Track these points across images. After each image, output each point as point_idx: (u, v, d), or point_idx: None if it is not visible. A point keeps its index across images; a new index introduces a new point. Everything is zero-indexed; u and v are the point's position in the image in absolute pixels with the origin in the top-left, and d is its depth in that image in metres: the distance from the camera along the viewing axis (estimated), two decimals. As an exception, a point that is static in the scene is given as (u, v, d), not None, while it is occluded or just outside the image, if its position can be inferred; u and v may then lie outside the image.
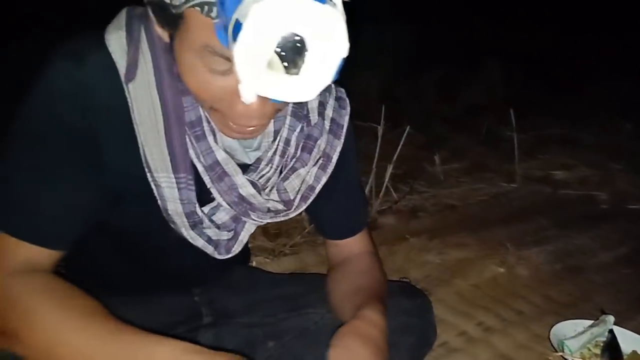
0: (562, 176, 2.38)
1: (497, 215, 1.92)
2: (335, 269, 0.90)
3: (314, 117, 0.79)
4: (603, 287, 1.45)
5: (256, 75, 0.51)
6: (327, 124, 0.80)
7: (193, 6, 0.55)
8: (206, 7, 0.54)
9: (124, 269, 0.83)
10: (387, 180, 1.89)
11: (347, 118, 0.83)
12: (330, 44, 0.51)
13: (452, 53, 3.31)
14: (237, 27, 0.49)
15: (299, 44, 0.50)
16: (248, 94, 0.56)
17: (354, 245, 0.91)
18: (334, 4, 0.52)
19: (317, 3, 0.49)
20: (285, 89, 0.52)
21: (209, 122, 0.69)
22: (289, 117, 0.76)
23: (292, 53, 0.50)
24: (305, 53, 0.50)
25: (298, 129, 0.77)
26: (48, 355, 0.60)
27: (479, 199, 2.08)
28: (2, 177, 0.65)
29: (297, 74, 0.51)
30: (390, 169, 1.89)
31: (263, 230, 1.64)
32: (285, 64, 0.50)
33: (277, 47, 0.49)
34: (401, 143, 1.87)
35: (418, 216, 1.90)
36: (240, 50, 0.49)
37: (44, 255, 0.65)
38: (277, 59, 0.50)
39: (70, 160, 0.65)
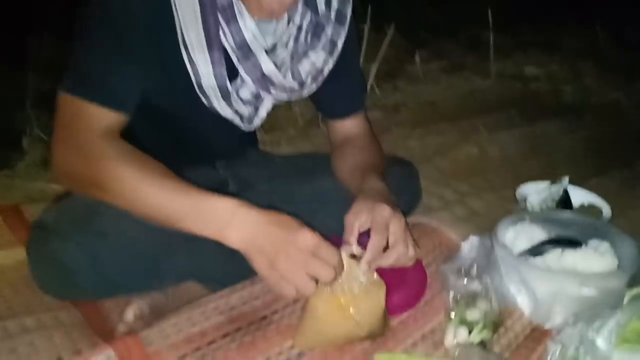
0: (533, 72, 2.54)
1: (472, 108, 2.09)
2: (339, 148, 1.06)
3: (321, 7, 0.90)
4: (564, 162, 1.66)
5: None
6: (332, 14, 0.92)
7: None
8: None
9: (157, 143, 0.97)
10: (371, 79, 2.03)
11: (350, 9, 0.94)
12: None
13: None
14: None
15: None
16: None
17: (354, 126, 1.06)
18: None
19: None
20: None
21: (237, 7, 0.81)
22: (300, 6, 0.88)
23: None
24: None
25: (308, 17, 0.89)
26: (130, 204, 0.75)
27: (456, 95, 2.24)
28: (80, 53, 0.79)
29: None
30: (374, 69, 2.02)
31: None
32: None
33: None
34: (386, 43, 1.99)
35: (400, 110, 2.06)
36: None
37: (116, 120, 0.79)
38: None
39: (135, 42, 0.78)
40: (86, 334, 0.84)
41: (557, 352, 0.75)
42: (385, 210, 0.81)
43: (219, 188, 1.02)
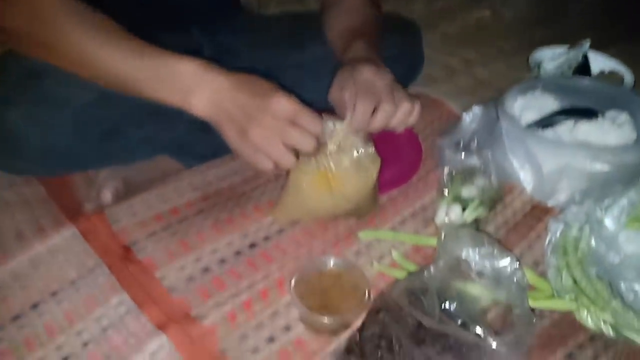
0: None
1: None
2: (328, 9, 0.92)
3: None
4: (584, 26, 1.48)
5: None
6: None
7: None
8: None
9: (124, 4, 0.83)
10: None
11: None
12: None
13: None
14: None
15: None
16: None
17: None
18: None
19: None
20: None
21: None
22: None
23: None
24: None
25: None
26: (80, 66, 0.65)
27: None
28: None
29: None
30: None
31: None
32: None
33: None
34: None
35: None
36: None
37: None
38: None
39: None
40: (51, 211, 0.78)
41: (559, 232, 0.68)
42: (365, 72, 0.70)
43: (190, 54, 0.92)
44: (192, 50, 0.89)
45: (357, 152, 0.69)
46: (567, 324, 0.63)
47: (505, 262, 0.54)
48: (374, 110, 0.70)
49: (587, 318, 0.61)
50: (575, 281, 0.63)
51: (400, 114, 0.72)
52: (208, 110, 0.64)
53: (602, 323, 0.60)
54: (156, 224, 0.75)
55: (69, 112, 0.71)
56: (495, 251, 0.54)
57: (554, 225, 0.70)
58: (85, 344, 0.59)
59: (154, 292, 0.65)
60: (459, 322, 0.50)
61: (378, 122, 0.70)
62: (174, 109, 0.71)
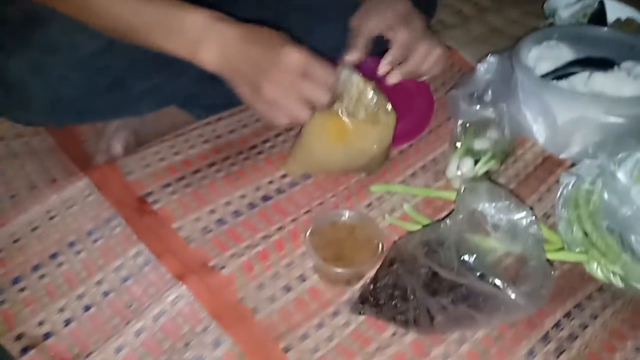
0: None
1: None
2: None
3: None
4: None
5: None
6: None
7: None
8: None
9: None
10: None
11: None
12: None
13: None
14: None
15: None
16: None
17: None
18: None
19: None
20: None
21: None
22: None
23: None
24: None
25: None
26: (86, 12, 0.62)
27: None
28: None
29: None
30: None
31: None
32: None
33: None
34: None
35: None
36: None
37: None
38: None
39: None
40: (61, 162, 0.78)
41: (571, 184, 0.68)
42: (401, 5, 0.68)
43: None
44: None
45: (373, 104, 0.68)
46: (576, 276, 0.64)
47: (521, 215, 0.54)
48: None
49: (597, 270, 0.62)
50: (586, 234, 0.64)
51: (432, 59, 0.71)
52: (217, 63, 0.63)
53: (611, 275, 0.61)
54: (169, 176, 0.75)
55: (75, 61, 0.69)
56: (512, 205, 0.55)
57: (566, 178, 0.70)
58: (105, 294, 0.61)
59: (171, 243, 0.66)
60: (477, 274, 0.51)
61: (412, 64, 0.69)
62: (182, 59, 0.70)
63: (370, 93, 0.66)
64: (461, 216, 0.55)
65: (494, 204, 0.55)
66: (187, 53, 0.63)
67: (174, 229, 0.68)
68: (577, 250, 0.64)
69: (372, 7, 0.70)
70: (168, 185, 0.73)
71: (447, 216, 0.60)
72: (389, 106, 0.69)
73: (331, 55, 0.69)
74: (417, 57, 0.70)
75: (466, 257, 0.52)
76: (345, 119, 0.67)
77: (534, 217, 0.55)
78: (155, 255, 0.64)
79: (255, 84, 0.61)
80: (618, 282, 0.61)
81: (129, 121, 0.82)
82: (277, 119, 0.64)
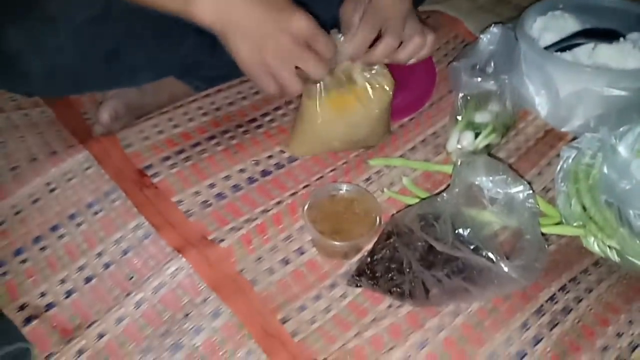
0: None
1: None
2: None
3: None
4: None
5: None
6: None
7: None
8: None
9: None
10: None
11: None
12: None
13: None
14: None
15: None
16: None
17: None
18: None
19: None
20: None
21: None
22: None
23: None
24: None
25: None
26: None
27: None
28: None
29: None
30: None
31: None
32: None
33: None
34: None
35: None
36: None
37: None
38: None
39: None
40: (61, 134, 0.78)
41: (572, 158, 0.68)
42: None
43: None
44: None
45: (371, 71, 0.67)
46: (573, 250, 0.64)
47: (518, 189, 0.54)
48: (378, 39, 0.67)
49: (594, 244, 0.62)
50: (584, 208, 0.64)
51: (410, 48, 0.69)
52: (212, 18, 0.58)
53: (608, 249, 0.61)
54: (169, 149, 0.75)
55: (70, 30, 0.68)
56: (509, 178, 0.55)
57: (567, 151, 0.70)
58: (106, 266, 0.62)
59: (171, 216, 0.66)
60: (472, 247, 0.51)
61: (378, 54, 0.67)
62: (179, 29, 0.68)
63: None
64: (457, 190, 0.55)
65: (491, 178, 0.54)
66: (181, 6, 0.59)
67: (173, 202, 0.68)
68: (575, 224, 0.64)
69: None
70: (167, 158, 0.74)
71: (444, 190, 0.60)
72: (387, 71, 0.68)
73: (329, 22, 0.67)
74: (410, 46, 0.69)
75: (461, 231, 0.52)
76: (341, 92, 0.66)
77: (531, 191, 0.55)
78: (155, 228, 0.65)
79: (257, 45, 0.59)
80: (614, 257, 0.62)
81: (125, 91, 0.81)
82: (266, 86, 0.61)
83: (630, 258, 0.60)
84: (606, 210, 0.63)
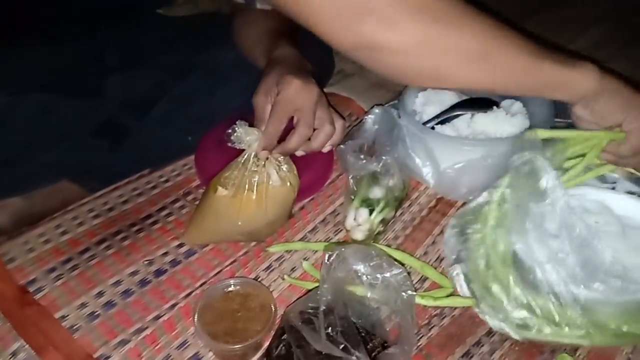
0: None
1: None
2: (242, 13, 0.89)
3: None
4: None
5: None
6: None
7: None
8: None
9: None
10: None
11: None
12: None
13: None
14: None
15: None
16: None
17: None
18: None
19: None
20: None
21: None
22: None
23: None
24: None
25: None
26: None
27: None
28: None
29: None
30: None
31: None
32: None
33: None
34: None
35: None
36: None
37: None
38: None
39: None
40: None
41: (453, 233, 0.70)
42: (292, 86, 0.68)
43: (93, 65, 0.84)
44: (94, 56, 0.85)
45: (281, 167, 0.70)
46: (466, 320, 0.66)
47: (393, 272, 0.55)
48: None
49: (486, 317, 0.63)
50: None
51: (321, 137, 0.72)
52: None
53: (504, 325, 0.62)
54: (54, 259, 0.71)
55: None
56: (384, 263, 0.56)
57: (451, 221, 0.72)
58: (-20, 401, 0.56)
59: (54, 336, 0.62)
60: (341, 347, 0.50)
61: (291, 145, 0.69)
62: (78, 133, 0.70)
63: (272, 160, 0.69)
64: (327, 286, 0.55)
65: (367, 264, 0.55)
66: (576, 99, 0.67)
67: (57, 318, 0.64)
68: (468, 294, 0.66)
69: (268, 87, 0.70)
70: (53, 270, 0.70)
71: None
72: (293, 167, 0.71)
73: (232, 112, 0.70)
74: (322, 136, 0.72)
75: (330, 330, 0.51)
76: (247, 187, 0.68)
77: (405, 274, 0.56)
78: (36, 352, 0.60)
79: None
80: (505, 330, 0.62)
81: (10, 201, 0.78)
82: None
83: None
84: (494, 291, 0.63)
